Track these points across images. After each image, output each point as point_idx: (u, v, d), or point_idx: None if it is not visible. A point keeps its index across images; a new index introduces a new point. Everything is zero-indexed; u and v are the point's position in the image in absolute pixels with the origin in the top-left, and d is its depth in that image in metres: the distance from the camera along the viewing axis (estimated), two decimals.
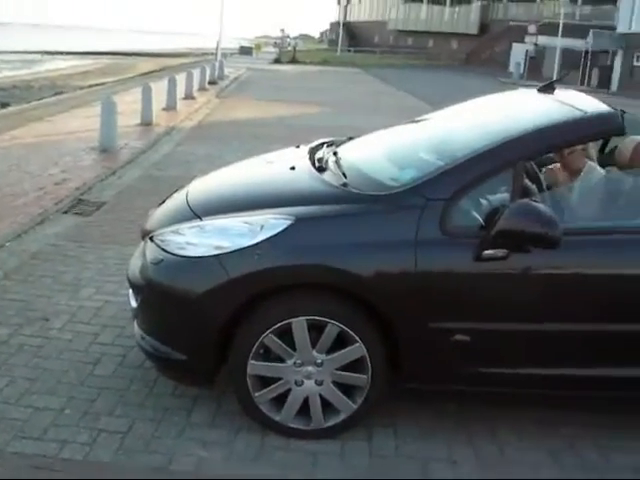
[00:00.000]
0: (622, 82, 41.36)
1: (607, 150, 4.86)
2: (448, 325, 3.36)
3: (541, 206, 3.27)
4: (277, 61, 54.42)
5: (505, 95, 4.73)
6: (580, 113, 3.67)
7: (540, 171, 4.38)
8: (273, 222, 3.39)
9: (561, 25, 41.03)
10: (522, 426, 3.80)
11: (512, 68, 44.62)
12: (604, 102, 3.90)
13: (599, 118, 3.67)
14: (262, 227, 3.38)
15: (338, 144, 4.66)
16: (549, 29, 44.43)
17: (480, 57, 58.44)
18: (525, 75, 43.70)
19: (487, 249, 3.26)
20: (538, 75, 46.11)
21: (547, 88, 4.25)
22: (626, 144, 4.40)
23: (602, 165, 4.50)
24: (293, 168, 4.10)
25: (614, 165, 4.43)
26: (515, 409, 3.92)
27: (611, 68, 42.93)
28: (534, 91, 4.36)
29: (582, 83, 42.18)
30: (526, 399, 3.70)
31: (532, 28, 46.55)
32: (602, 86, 40.50)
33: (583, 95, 4.22)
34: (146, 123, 14.28)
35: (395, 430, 3.71)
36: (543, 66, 47.64)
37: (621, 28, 42.66)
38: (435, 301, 3.34)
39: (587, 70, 43.27)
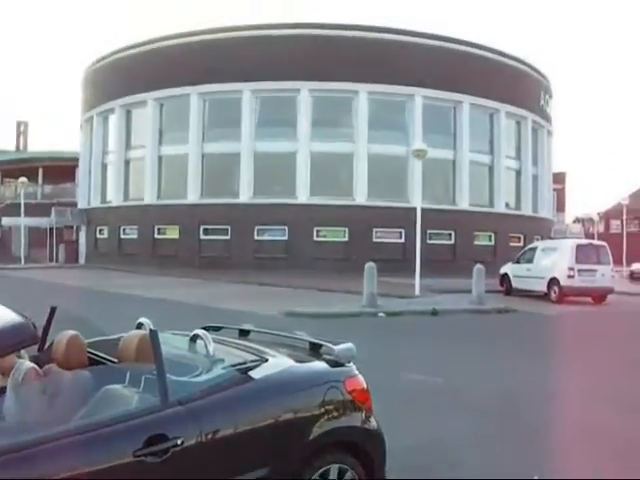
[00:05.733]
0: (89, 255, 43.23)
1: (46, 347, 4.89)
2: None
3: None
4: None
5: None
6: None
7: None
8: None
9: (22, 205, 41.53)
10: None
11: None
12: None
13: (12, 331, 3.65)
14: None
15: None
16: (13, 209, 44.68)
17: None
18: None
19: None
20: (8, 255, 45.59)
21: None
22: (59, 340, 4.50)
23: (44, 363, 4.52)
24: None
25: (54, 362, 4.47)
26: None
27: (77, 242, 44.63)
28: None
29: (51, 259, 42.93)
30: None
31: None
32: (70, 260, 41.78)
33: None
34: None
35: None
36: (12, 245, 47.40)
37: (82, 204, 44.96)
38: None
39: (55, 246, 44.25)
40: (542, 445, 7.01)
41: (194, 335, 4.53)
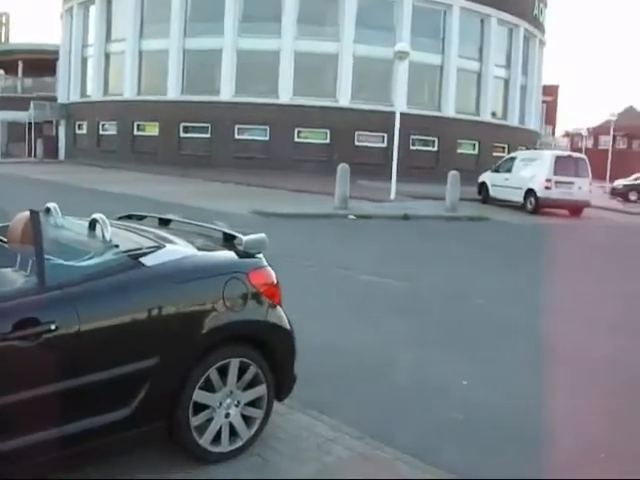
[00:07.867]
0: (68, 150, 42.48)
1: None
2: None
3: None
4: None
5: None
6: None
7: None
8: None
9: (0, 98, 40.52)
10: None
11: None
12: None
13: None
14: None
15: None
16: None
17: None
18: None
19: None
20: None
21: None
22: (17, 221, 4.29)
23: None
24: None
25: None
26: None
27: (57, 138, 43.82)
28: None
29: (29, 155, 42.22)
30: None
31: None
32: (49, 156, 41.04)
33: None
34: None
35: None
36: None
37: (61, 99, 43.90)
38: None
39: (34, 141, 43.42)
40: (479, 350, 6.97)
41: (92, 220, 4.30)
